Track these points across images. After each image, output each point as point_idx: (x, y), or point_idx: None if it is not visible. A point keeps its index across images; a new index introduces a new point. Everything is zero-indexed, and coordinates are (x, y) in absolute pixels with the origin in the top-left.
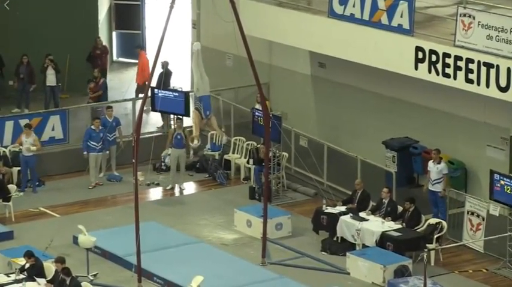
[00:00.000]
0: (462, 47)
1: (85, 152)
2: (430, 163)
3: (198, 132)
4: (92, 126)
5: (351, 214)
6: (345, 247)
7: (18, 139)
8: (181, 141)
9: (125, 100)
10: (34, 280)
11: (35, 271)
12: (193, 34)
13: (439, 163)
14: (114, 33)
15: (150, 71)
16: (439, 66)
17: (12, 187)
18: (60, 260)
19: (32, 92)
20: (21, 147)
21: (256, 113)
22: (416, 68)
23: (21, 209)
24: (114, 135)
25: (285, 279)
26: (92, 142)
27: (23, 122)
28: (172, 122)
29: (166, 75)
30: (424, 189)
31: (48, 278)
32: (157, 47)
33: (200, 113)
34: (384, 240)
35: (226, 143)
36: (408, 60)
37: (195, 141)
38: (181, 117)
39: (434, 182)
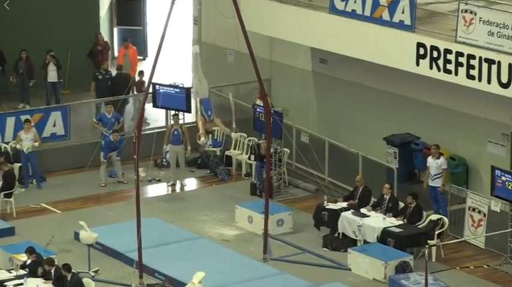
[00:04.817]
0: (463, 43)
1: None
2: (429, 159)
3: (203, 130)
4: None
5: (352, 210)
6: (346, 243)
7: (17, 137)
8: (179, 137)
9: (126, 96)
10: (35, 276)
11: (36, 267)
12: (194, 30)
13: (438, 157)
14: (115, 30)
15: (152, 66)
16: (441, 62)
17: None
18: (48, 262)
19: (33, 88)
20: (19, 145)
21: (258, 109)
22: (417, 64)
23: (22, 205)
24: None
25: (286, 275)
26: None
27: (24, 118)
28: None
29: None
30: (424, 185)
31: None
32: (158, 43)
33: (203, 116)
34: (385, 236)
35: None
36: (409, 56)
37: (202, 139)
38: (177, 113)
39: (434, 177)
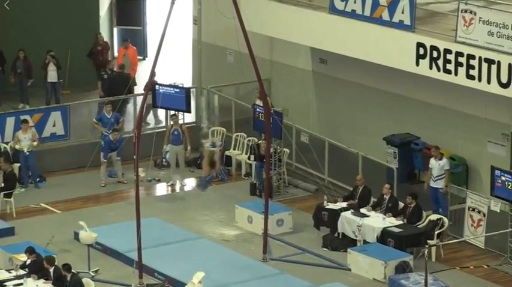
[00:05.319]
0: (463, 43)
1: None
2: (432, 160)
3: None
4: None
5: (352, 210)
6: (345, 243)
7: (15, 138)
8: (179, 137)
9: (126, 96)
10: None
11: (36, 267)
12: (194, 30)
13: (440, 159)
14: (115, 30)
15: (152, 66)
16: (440, 62)
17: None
18: (48, 261)
19: (32, 88)
20: (18, 146)
21: (257, 109)
22: (417, 64)
23: (22, 205)
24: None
25: (286, 275)
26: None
27: (23, 118)
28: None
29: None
30: (425, 186)
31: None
32: (158, 43)
33: None
34: (384, 236)
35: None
36: (409, 56)
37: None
38: (176, 113)
39: (436, 178)
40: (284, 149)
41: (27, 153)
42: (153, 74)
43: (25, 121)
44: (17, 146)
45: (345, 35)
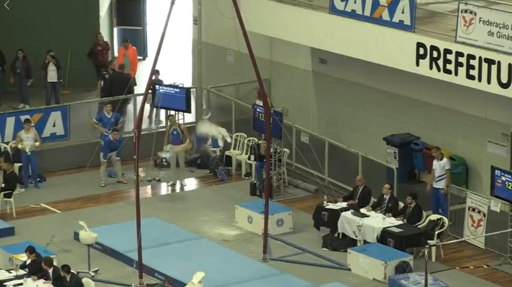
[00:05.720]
0: (463, 43)
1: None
2: (435, 162)
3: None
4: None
5: (352, 210)
6: (345, 243)
7: (18, 138)
8: (178, 137)
9: (126, 96)
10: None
11: (36, 267)
12: (194, 30)
13: (441, 159)
14: (115, 30)
15: (152, 66)
16: (440, 62)
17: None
18: (46, 262)
19: (32, 88)
20: (20, 145)
21: (258, 109)
22: (417, 64)
23: (22, 205)
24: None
25: (286, 275)
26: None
27: (24, 118)
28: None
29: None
30: (428, 188)
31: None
32: (158, 43)
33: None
34: (384, 236)
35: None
36: (409, 56)
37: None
38: (173, 114)
39: (437, 179)
40: (284, 149)
41: (29, 153)
42: (153, 73)
43: (28, 121)
44: (19, 146)
45: (345, 35)
